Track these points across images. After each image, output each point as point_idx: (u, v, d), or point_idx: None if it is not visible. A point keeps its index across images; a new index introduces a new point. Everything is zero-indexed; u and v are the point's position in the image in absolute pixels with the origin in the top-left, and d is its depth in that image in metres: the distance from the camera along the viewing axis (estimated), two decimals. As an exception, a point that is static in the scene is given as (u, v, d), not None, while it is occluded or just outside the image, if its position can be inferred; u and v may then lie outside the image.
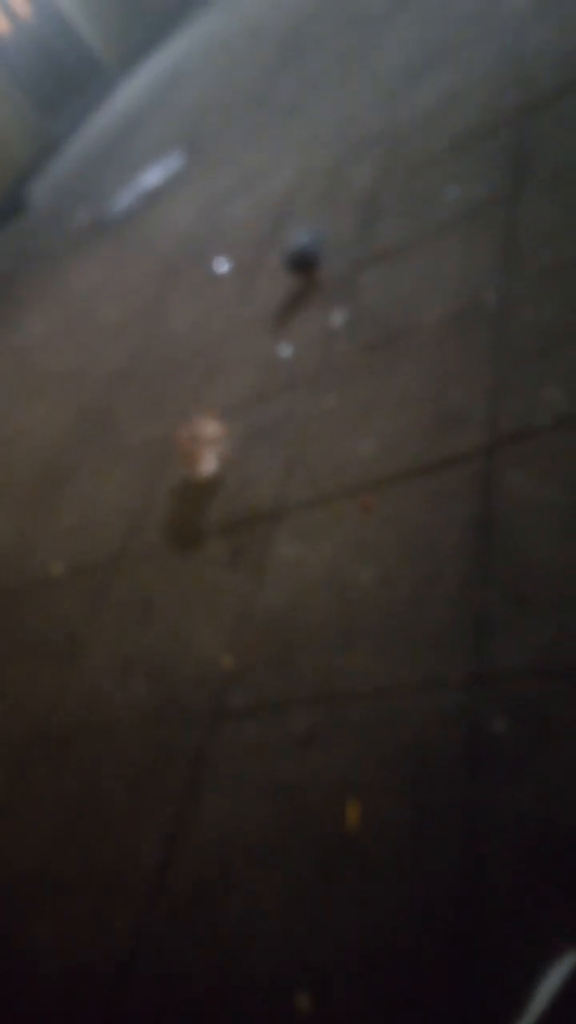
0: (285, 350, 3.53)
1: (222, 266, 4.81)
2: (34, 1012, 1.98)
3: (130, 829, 2.19)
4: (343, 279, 3.62)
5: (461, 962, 1.46)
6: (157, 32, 16.57)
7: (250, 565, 2.66)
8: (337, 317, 3.42)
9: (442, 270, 3.14)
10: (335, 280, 3.67)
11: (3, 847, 2.47)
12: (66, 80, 14.95)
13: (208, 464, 3.10)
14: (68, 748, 2.61)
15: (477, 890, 1.52)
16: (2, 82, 13.50)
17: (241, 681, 2.31)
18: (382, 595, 2.19)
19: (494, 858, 1.54)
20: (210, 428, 3.11)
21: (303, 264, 3.73)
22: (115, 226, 7.46)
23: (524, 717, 1.71)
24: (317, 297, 3.67)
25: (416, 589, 2.13)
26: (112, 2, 16.00)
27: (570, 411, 2.23)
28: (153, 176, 7.83)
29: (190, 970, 1.79)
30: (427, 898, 1.57)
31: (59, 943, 2.07)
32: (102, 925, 2.03)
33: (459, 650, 1.92)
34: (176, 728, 2.36)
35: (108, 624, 2.95)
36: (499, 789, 1.63)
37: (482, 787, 1.65)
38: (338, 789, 1.86)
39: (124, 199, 7.97)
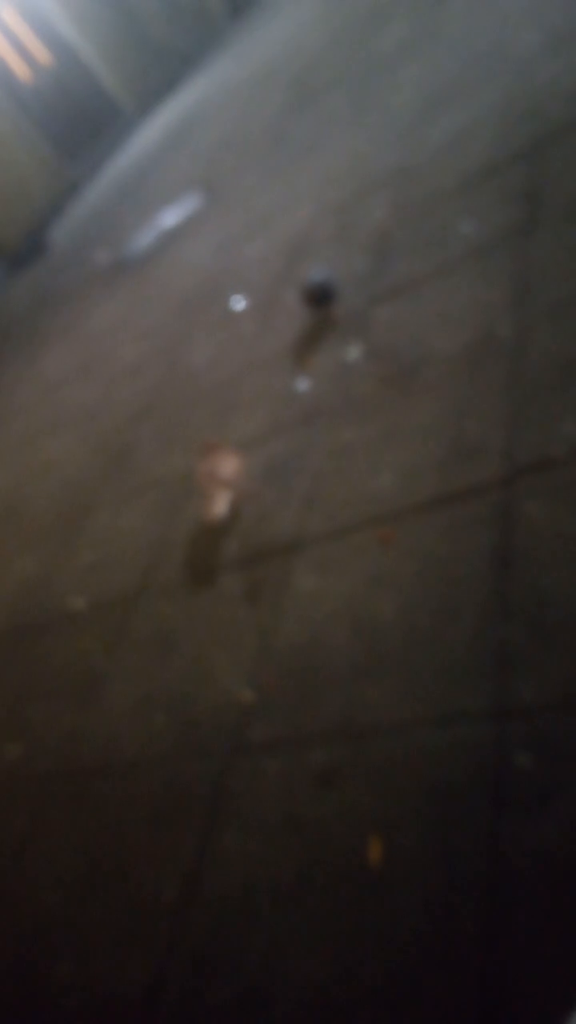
0: (302, 384, 3.56)
1: (239, 303, 4.87)
2: (55, 1055, 1.96)
3: (151, 865, 2.18)
4: (359, 314, 3.66)
5: (484, 1005, 1.43)
6: (173, 75, 16.94)
7: (269, 599, 2.66)
8: (353, 351, 3.45)
9: (457, 304, 3.17)
10: (351, 315, 3.70)
11: (25, 884, 2.46)
12: (85, 123, 15.29)
13: (226, 500, 3.11)
14: (88, 785, 2.60)
15: (501, 929, 1.50)
16: (23, 127, 13.82)
17: (261, 716, 2.30)
18: (402, 628, 2.18)
19: (518, 896, 1.52)
20: (228, 463, 3.13)
21: (321, 298, 3.77)
22: (134, 266, 7.58)
23: (548, 751, 1.69)
24: (333, 332, 3.70)
25: (436, 622, 2.12)
26: (129, 47, 16.40)
27: (587, 442, 2.23)
28: (170, 216, 7.97)
29: (212, 1007, 1.77)
30: (450, 937, 1.54)
31: (82, 980, 2.05)
32: (124, 962, 2.01)
33: (481, 683, 1.91)
34: (196, 764, 2.35)
35: (128, 660, 2.95)
36: (523, 824, 1.61)
37: (506, 822, 1.63)
38: (360, 825, 1.84)
39: (142, 239, 8.11)
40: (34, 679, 3.31)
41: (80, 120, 15.20)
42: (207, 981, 1.83)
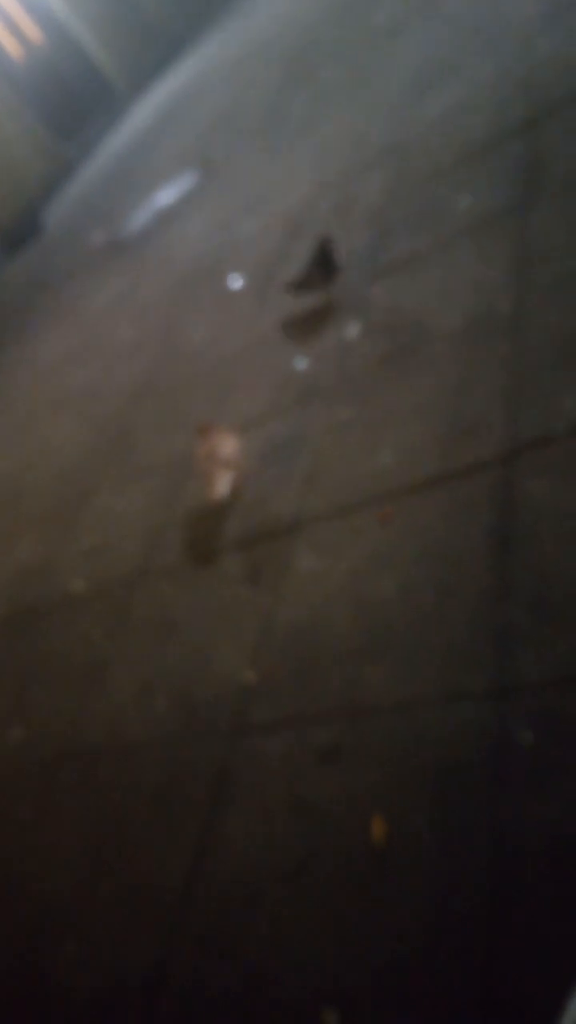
0: (300, 363, 3.54)
1: (236, 282, 4.84)
2: (63, 1034, 1.98)
3: (155, 847, 2.19)
4: (357, 291, 3.63)
5: (488, 984, 1.44)
6: (167, 53, 16.75)
7: (270, 580, 2.65)
8: (352, 329, 3.42)
9: (456, 280, 3.14)
10: (349, 292, 3.67)
11: (31, 866, 2.47)
12: (79, 103, 15.13)
13: (226, 481, 3.10)
14: (92, 768, 2.61)
15: (504, 907, 1.50)
16: (16, 107, 13.68)
17: (263, 697, 2.30)
18: (403, 607, 2.18)
19: (521, 873, 1.52)
20: (227, 444, 3.12)
21: (324, 269, 3.66)
22: (130, 246, 7.53)
23: (549, 729, 1.68)
24: (332, 309, 3.67)
25: (437, 600, 2.11)
26: (122, 25, 16.20)
27: (588, 418, 2.21)
28: (166, 195, 7.90)
29: (217, 986, 1.78)
30: (454, 916, 1.55)
31: (87, 961, 2.07)
32: (129, 942, 2.02)
33: (482, 662, 1.90)
34: (199, 745, 2.35)
35: (130, 642, 2.95)
36: (526, 802, 1.61)
37: (508, 801, 1.63)
38: (363, 804, 1.85)
39: (138, 219, 8.04)
40: (36, 663, 3.31)
41: (73, 99, 15.04)
42: (211, 964, 1.83)
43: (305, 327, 3.76)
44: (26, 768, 2.85)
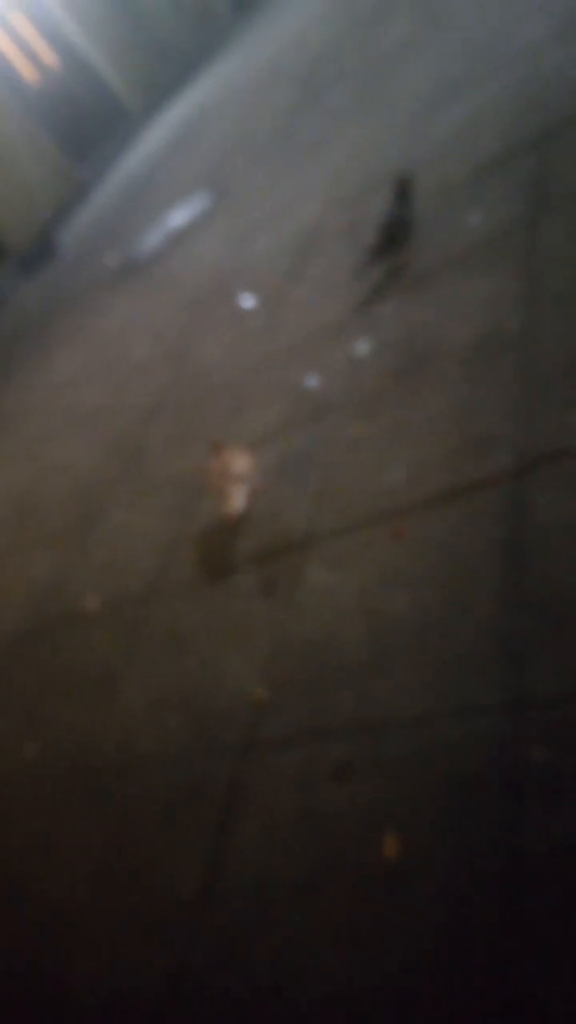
0: (312, 380, 3.56)
1: (248, 301, 4.87)
2: (76, 1051, 1.97)
3: (168, 862, 2.19)
4: (369, 308, 3.65)
5: (503, 997, 1.43)
6: (180, 76, 16.95)
7: (282, 595, 2.66)
8: (362, 346, 3.44)
9: (467, 296, 3.15)
10: (360, 308, 3.69)
11: (44, 881, 2.47)
12: (93, 126, 15.32)
13: (239, 497, 3.12)
14: (106, 783, 2.61)
15: (518, 921, 1.49)
16: (31, 129, 13.87)
17: (275, 712, 2.30)
18: (416, 622, 2.18)
19: (534, 887, 1.51)
20: (239, 460, 3.13)
21: (395, 237, 3.56)
22: (143, 266, 7.60)
23: (563, 743, 1.68)
24: (347, 327, 3.70)
25: (450, 615, 2.11)
26: (135, 48, 16.42)
27: (599, 432, 2.21)
28: (179, 216, 7.98)
29: (229, 998, 1.77)
30: (468, 929, 1.54)
31: (101, 973, 2.06)
32: (142, 954, 2.02)
33: (495, 676, 1.90)
34: (211, 760, 2.35)
35: (142, 658, 2.96)
36: (540, 817, 1.60)
37: (522, 815, 1.63)
38: (376, 819, 1.84)
39: (151, 239, 8.12)
40: (50, 679, 3.33)
41: (87, 122, 15.23)
42: (225, 977, 1.83)
43: (316, 344, 3.78)
44: (40, 782, 2.86)
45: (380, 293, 3.66)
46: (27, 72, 14.28)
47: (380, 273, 3.77)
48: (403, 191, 3.56)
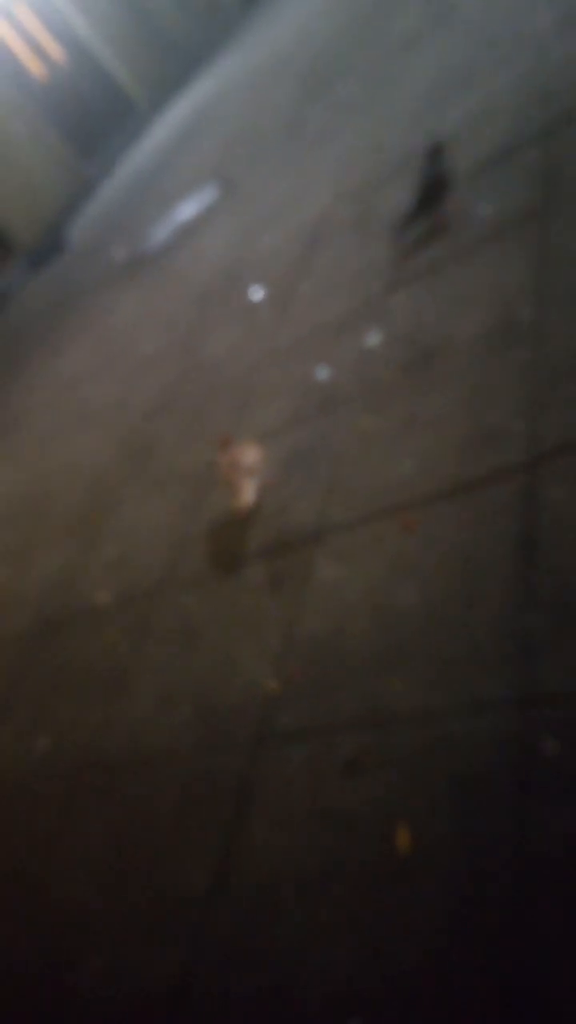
0: (322, 373, 3.54)
1: (257, 294, 4.86)
2: (89, 1045, 1.98)
3: (179, 856, 2.19)
4: (378, 300, 3.63)
5: (512, 992, 1.42)
6: (186, 70, 16.91)
7: (292, 589, 2.65)
8: (372, 338, 3.43)
9: (477, 288, 3.13)
10: (370, 301, 3.68)
11: (55, 876, 2.48)
12: (100, 121, 15.31)
13: (248, 490, 3.11)
14: (116, 778, 2.61)
15: (528, 916, 1.48)
16: (39, 126, 13.87)
17: (286, 706, 2.30)
18: (426, 616, 2.17)
19: (546, 883, 1.50)
20: (249, 454, 3.13)
21: (432, 195, 3.59)
22: (151, 260, 7.59)
23: (573, 739, 1.67)
24: (356, 319, 3.68)
25: (460, 609, 2.10)
26: (142, 43, 16.39)
27: (611, 424, 2.20)
28: (187, 210, 7.96)
29: (241, 996, 1.77)
30: (478, 924, 1.53)
31: (111, 971, 2.07)
32: (153, 952, 2.02)
33: (505, 671, 1.89)
34: (222, 755, 2.35)
35: (153, 652, 2.96)
36: (550, 812, 1.59)
37: (533, 810, 1.62)
38: (387, 813, 1.84)
39: (159, 233, 8.11)
40: (62, 673, 3.33)
41: (94, 117, 15.22)
42: (235, 973, 1.83)
43: (325, 337, 3.76)
44: (51, 778, 2.86)
45: (420, 250, 3.68)
46: (34, 67, 14.28)
47: (421, 231, 3.80)
48: (436, 154, 3.59)
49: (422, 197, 3.65)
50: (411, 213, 3.73)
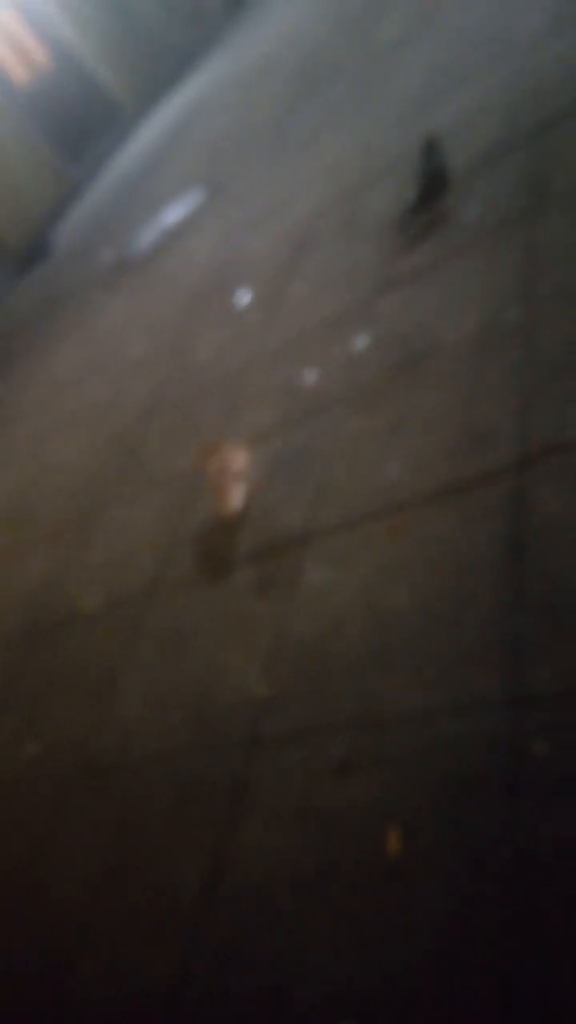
0: (310, 376, 3.54)
1: (244, 297, 4.86)
2: (80, 1052, 1.96)
3: (172, 859, 2.18)
4: (366, 302, 3.64)
5: (506, 994, 1.42)
6: (173, 73, 16.90)
7: (282, 592, 2.65)
8: (361, 341, 3.43)
9: (465, 290, 3.14)
10: (357, 304, 3.68)
11: (48, 881, 2.47)
12: (86, 124, 15.27)
13: (237, 494, 3.11)
14: (108, 782, 2.60)
15: (522, 918, 1.48)
16: (24, 128, 13.83)
17: (277, 709, 2.30)
18: (416, 618, 2.17)
19: (538, 885, 1.50)
20: (238, 457, 3.12)
21: (432, 188, 3.59)
22: (139, 263, 7.58)
23: (565, 739, 1.67)
24: (344, 322, 3.69)
25: (450, 611, 2.11)
26: (128, 46, 16.37)
27: (599, 425, 2.20)
28: (174, 213, 7.95)
29: (236, 998, 1.77)
30: (471, 927, 1.53)
31: (106, 974, 2.06)
32: (148, 955, 2.01)
33: (496, 672, 1.89)
34: (214, 758, 2.34)
35: (143, 656, 2.95)
36: (542, 813, 1.59)
37: (525, 811, 1.62)
38: (379, 815, 1.83)
39: (147, 236, 8.10)
40: (50, 678, 3.31)
41: (81, 120, 15.19)
42: (230, 976, 1.82)
43: (314, 339, 3.77)
44: (41, 782, 2.85)
45: (409, 252, 3.69)
46: (19, 71, 14.24)
47: (420, 224, 3.82)
48: (431, 148, 3.61)
49: (422, 192, 3.67)
50: (411, 207, 3.74)
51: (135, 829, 2.36)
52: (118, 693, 2.90)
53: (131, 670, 2.94)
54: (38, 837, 2.65)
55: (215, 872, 2.05)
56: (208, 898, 2.01)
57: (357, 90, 6.30)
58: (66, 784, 2.74)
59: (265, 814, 2.07)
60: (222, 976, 1.84)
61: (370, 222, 4.27)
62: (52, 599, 3.81)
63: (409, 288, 3.46)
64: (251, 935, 1.86)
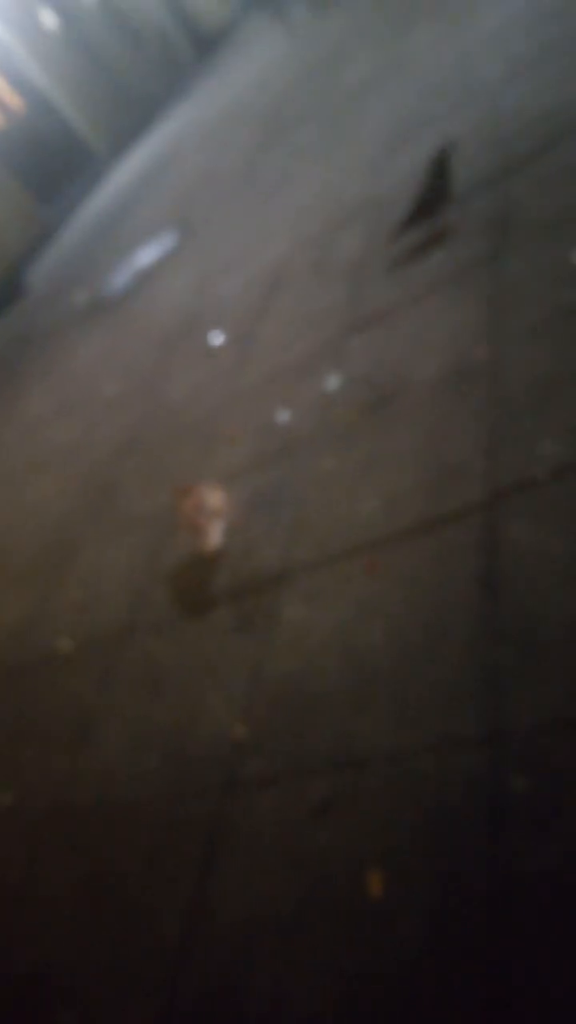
0: (282, 416, 3.57)
1: (217, 338, 4.90)
2: None
3: (149, 907, 2.14)
4: (337, 343, 3.69)
5: (495, 1034, 1.41)
6: (144, 118, 17.17)
7: (258, 631, 2.65)
8: (332, 381, 3.47)
9: (433, 331, 3.20)
10: (329, 344, 3.73)
11: (24, 930, 2.41)
12: (59, 168, 15.44)
13: (212, 533, 3.11)
14: (84, 828, 2.56)
15: (504, 955, 1.48)
16: (-2, 173, 13.94)
17: (255, 750, 2.28)
18: (392, 655, 2.17)
19: (521, 922, 1.50)
20: (212, 497, 3.13)
21: (431, 205, 3.63)
22: (111, 305, 7.63)
23: (543, 774, 1.68)
24: (316, 363, 3.73)
25: (426, 648, 2.11)
26: (100, 92, 16.63)
27: (569, 460, 2.24)
28: (146, 255, 8.04)
29: (216, 1056, 1.73)
30: (454, 964, 1.52)
31: (81, 1034, 2.01)
32: (127, 1006, 1.97)
33: (473, 708, 1.90)
34: (191, 801, 2.32)
35: (118, 699, 2.93)
36: (523, 848, 1.59)
37: (506, 848, 1.62)
38: (359, 857, 1.82)
39: (119, 279, 8.16)
40: (24, 722, 3.27)
41: (53, 164, 15.35)
42: (212, 1021, 1.79)
43: (285, 380, 3.81)
44: (17, 829, 2.80)
45: (417, 256, 3.76)
46: (-7, 116, 14.39)
47: (417, 238, 3.89)
48: (440, 164, 3.62)
49: (421, 207, 3.70)
50: (408, 221, 3.76)
51: (113, 876, 2.32)
52: (94, 737, 2.86)
53: (107, 713, 2.91)
54: (13, 885, 2.60)
55: (194, 917, 2.02)
56: (188, 943, 1.98)
57: (324, 136, 6.44)
58: (42, 831, 2.69)
59: (244, 858, 2.05)
60: (204, 1021, 1.80)
61: (340, 263, 4.34)
62: (26, 641, 3.77)
63: (379, 329, 3.52)
64: (232, 980, 1.83)
